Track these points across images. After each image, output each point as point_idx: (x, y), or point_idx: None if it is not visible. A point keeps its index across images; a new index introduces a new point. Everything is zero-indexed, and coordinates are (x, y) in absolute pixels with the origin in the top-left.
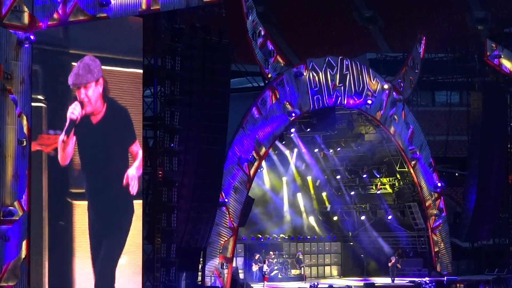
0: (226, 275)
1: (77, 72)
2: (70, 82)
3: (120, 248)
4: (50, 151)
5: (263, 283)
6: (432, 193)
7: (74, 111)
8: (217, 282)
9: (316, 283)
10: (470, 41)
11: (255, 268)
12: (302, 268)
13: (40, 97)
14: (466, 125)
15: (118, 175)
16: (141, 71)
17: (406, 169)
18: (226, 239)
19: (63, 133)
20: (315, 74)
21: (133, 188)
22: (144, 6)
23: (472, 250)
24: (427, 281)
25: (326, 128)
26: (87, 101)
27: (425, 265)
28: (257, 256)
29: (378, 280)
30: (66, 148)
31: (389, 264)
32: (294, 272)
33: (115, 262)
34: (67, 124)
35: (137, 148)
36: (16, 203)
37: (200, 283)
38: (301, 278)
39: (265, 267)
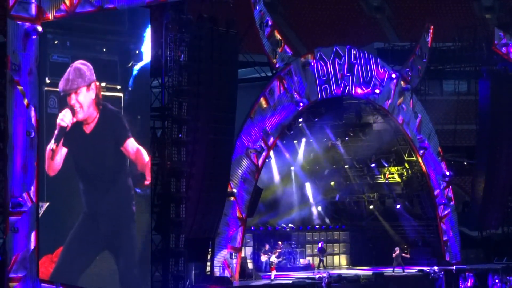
0: (234, 265)
1: (67, 78)
2: (60, 89)
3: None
4: None
5: (270, 273)
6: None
7: (64, 118)
8: (226, 272)
9: (327, 274)
10: (478, 30)
11: (264, 258)
12: (325, 259)
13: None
14: (474, 114)
15: (115, 182)
16: None
17: (415, 158)
18: (234, 229)
19: (53, 140)
20: (323, 64)
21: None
22: None
23: (481, 239)
24: (436, 270)
25: (334, 117)
26: (78, 107)
27: (433, 254)
28: (267, 247)
29: (387, 270)
30: (55, 157)
31: (393, 255)
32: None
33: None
34: (56, 131)
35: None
36: (25, 195)
37: (209, 273)
38: (309, 267)
39: (274, 258)
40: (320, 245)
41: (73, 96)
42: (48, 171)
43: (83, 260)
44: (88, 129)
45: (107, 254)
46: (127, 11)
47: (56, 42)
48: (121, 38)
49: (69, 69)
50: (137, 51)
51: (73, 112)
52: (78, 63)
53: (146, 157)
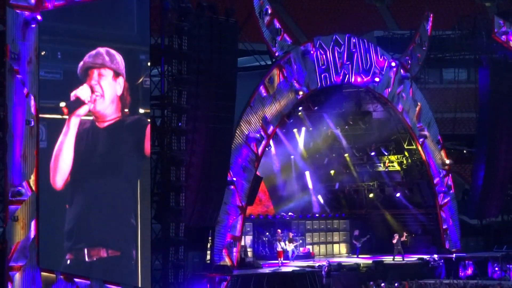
0: (234, 253)
1: (92, 54)
2: (80, 64)
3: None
4: None
5: (279, 260)
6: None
7: (82, 92)
8: (226, 260)
9: (327, 262)
10: (477, 18)
11: (290, 247)
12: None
13: None
14: (474, 102)
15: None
16: None
17: (414, 147)
18: (234, 217)
19: (65, 104)
20: (322, 52)
21: None
22: None
23: (481, 227)
24: (436, 258)
25: (334, 106)
26: (99, 90)
27: (433, 242)
28: (291, 235)
29: (387, 258)
30: (63, 146)
31: (393, 241)
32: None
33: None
34: (71, 100)
35: None
36: (24, 183)
37: (208, 262)
38: (309, 256)
39: (283, 245)
40: (356, 233)
41: (95, 73)
42: (54, 178)
43: None
44: (102, 125)
45: None
46: (137, 12)
47: (43, 53)
48: (129, 46)
49: (98, 48)
50: (148, 63)
51: (92, 91)
52: (111, 49)
53: None
